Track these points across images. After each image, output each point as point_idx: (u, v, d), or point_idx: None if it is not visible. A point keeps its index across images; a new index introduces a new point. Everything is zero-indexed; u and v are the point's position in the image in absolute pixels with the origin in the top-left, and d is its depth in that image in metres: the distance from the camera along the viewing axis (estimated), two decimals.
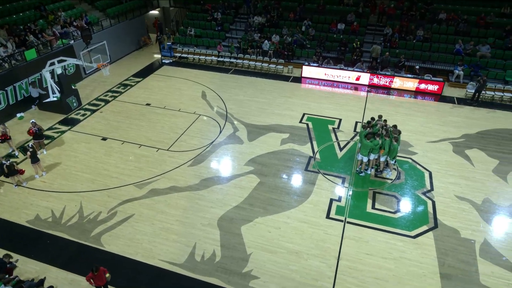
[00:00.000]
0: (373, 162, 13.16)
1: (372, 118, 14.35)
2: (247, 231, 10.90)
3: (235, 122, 16.57)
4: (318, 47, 22.09)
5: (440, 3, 23.08)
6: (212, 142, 15.15)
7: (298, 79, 21.18)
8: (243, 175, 13.23)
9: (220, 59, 23.08)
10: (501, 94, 18.74)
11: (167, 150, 14.63)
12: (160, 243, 10.53)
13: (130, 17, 25.10)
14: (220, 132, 15.84)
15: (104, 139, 15.35)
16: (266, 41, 22.69)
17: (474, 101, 18.50)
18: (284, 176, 13.23)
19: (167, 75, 21.69)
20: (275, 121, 16.65)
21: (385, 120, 13.94)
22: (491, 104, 18.39)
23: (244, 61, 22.61)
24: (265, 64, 22.29)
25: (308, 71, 21.17)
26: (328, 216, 11.44)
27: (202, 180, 12.99)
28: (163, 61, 23.80)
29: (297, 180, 13.09)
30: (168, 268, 9.82)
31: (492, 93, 18.77)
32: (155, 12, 28.47)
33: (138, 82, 20.71)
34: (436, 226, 11.13)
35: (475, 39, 20.89)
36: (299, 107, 17.91)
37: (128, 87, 20.06)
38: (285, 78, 21.31)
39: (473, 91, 18.48)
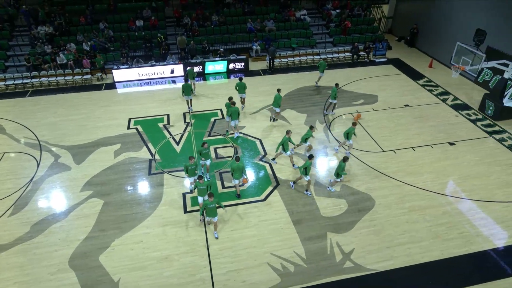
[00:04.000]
0: None
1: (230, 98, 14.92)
2: (107, 258, 9.95)
3: (54, 149, 14.49)
4: (122, 47, 21.09)
5: None
6: (32, 179, 12.91)
7: (112, 85, 19.88)
8: (83, 202, 11.85)
9: (8, 82, 19.38)
10: (292, 59, 22.25)
11: None
12: None
13: None
14: (38, 165, 13.61)
15: None
16: (60, 53, 20.24)
17: (270, 69, 21.41)
18: (129, 187, 12.49)
19: None
20: (100, 135, 15.33)
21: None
22: (288, 69, 21.63)
23: (42, 79, 19.67)
24: (69, 77, 19.97)
25: (120, 74, 20.08)
26: (186, 211, 11.52)
27: (33, 225, 11.01)
28: None
29: (143, 187, 12.57)
30: None
31: (286, 59, 22.10)
32: None
33: None
34: (278, 184, 12.65)
35: (261, 16, 23.91)
36: (122, 113, 16.94)
37: None
38: (97, 87, 19.67)
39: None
